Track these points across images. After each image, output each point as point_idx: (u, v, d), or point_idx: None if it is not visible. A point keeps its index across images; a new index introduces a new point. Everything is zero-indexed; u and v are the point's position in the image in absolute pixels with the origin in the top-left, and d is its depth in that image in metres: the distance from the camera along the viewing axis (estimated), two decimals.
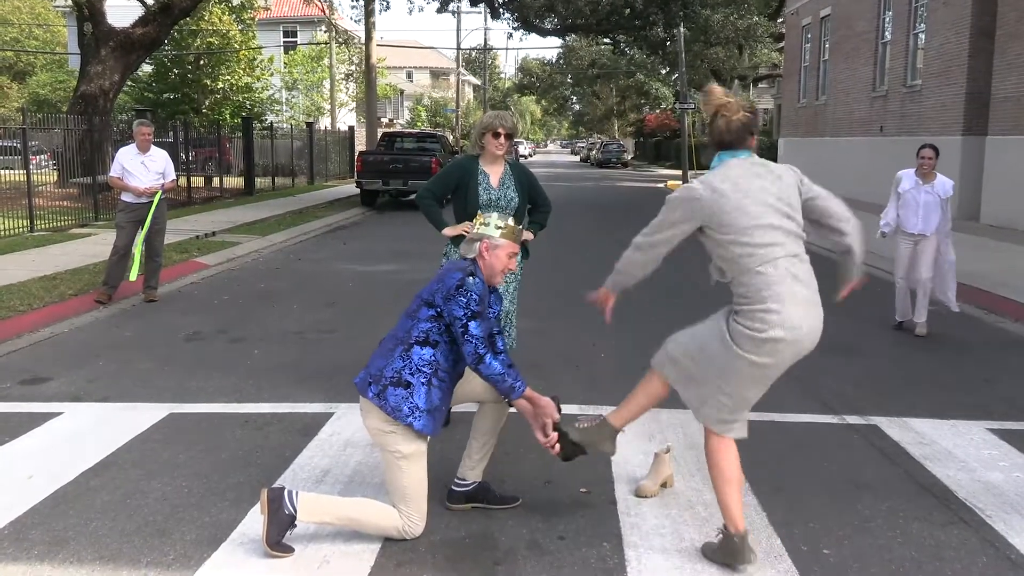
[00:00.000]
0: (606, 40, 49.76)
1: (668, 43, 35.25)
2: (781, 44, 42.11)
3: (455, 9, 48.53)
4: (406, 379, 3.98)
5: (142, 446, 5.30)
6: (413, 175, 22.37)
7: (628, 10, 30.54)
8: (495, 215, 4.22)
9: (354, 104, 49.47)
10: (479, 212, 4.35)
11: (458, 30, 59.30)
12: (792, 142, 32.27)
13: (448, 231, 5.58)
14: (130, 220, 9.69)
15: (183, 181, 21.62)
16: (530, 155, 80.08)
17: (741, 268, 3.87)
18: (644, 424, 5.80)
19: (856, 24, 26.08)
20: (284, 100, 42.38)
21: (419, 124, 65.99)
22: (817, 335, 3.85)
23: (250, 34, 34.12)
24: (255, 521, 4.13)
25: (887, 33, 24.25)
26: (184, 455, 5.16)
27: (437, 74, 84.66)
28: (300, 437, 5.48)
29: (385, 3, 32.72)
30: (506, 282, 5.71)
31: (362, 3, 31.61)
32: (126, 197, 9.71)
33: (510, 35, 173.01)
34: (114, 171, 9.76)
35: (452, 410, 5.70)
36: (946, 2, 20.28)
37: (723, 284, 3.87)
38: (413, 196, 23.21)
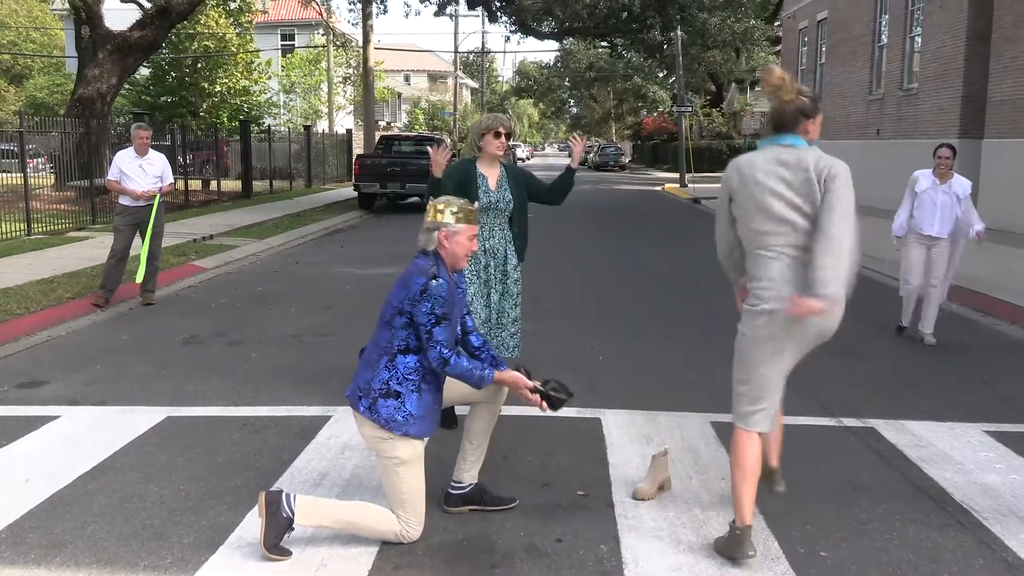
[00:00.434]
0: (603, 43, 49.84)
1: (665, 46, 35.29)
2: (778, 48, 42.20)
3: (452, 12, 48.58)
4: (395, 389, 3.97)
5: (139, 449, 5.30)
6: (411, 178, 22.38)
7: (625, 13, 30.57)
8: (451, 201, 4.14)
9: (352, 107, 49.44)
10: (433, 201, 4.20)
11: (455, 33, 59.50)
12: None
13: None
14: (128, 223, 9.69)
15: (180, 184, 21.62)
16: (528, 158, 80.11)
17: (746, 249, 4.02)
18: (641, 427, 5.82)
19: (853, 28, 26.12)
20: (282, 103, 42.38)
21: (417, 127, 65.98)
22: (823, 320, 3.83)
23: (248, 37, 34.08)
24: (253, 524, 4.13)
25: (883, 37, 24.29)
26: (182, 458, 5.16)
27: (435, 77, 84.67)
28: (298, 440, 5.48)
29: (382, 6, 32.75)
30: (505, 286, 5.71)
31: (360, 6, 31.63)
32: (124, 200, 9.71)
33: (507, 38, 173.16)
34: (112, 174, 9.76)
35: (456, 411, 5.72)
36: (942, 6, 20.32)
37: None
38: (411, 199, 23.40)
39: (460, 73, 74.08)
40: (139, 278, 9.60)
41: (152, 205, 9.68)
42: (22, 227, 14.92)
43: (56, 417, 5.88)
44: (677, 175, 37.50)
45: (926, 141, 20.76)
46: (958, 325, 9.21)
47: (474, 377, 3.99)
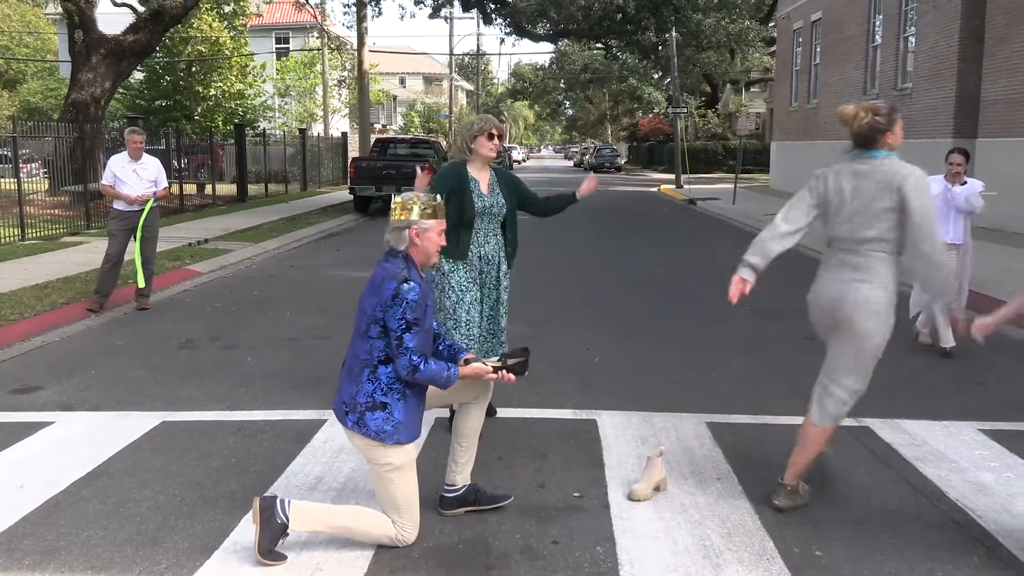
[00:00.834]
0: (598, 45, 49.87)
1: (660, 48, 35.30)
2: (773, 48, 42.25)
3: (447, 15, 48.59)
4: (381, 401, 3.95)
5: (134, 455, 5.29)
6: (406, 181, 22.32)
7: (620, 15, 30.60)
8: (416, 197, 4.06)
9: (347, 110, 49.44)
10: (398, 199, 4.06)
11: (450, 36, 59.56)
12: (784, 145, 32.36)
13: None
14: (122, 228, 9.68)
15: (175, 188, 21.61)
16: (523, 160, 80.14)
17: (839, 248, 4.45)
18: (637, 428, 5.82)
19: (847, 28, 26.16)
20: (277, 106, 42.36)
21: (412, 130, 65.99)
22: (841, 306, 4.35)
23: (242, 41, 34.09)
24: (248, 529, 4.12)
25: (878, 36, 24.33)
26: (176, 463, 5.16)
27: (430, 80, 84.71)
28: (293, 444, 5.47)
29: (377, 9, 32.90)
30: (498, 293, 5.64)
31: (354, 9, 31.62)
32: (118, 205, 9.70)
33: (502, 40, 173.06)
34: (106, 179, 9.75)
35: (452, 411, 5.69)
36: (936, 6, 20.36)
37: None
38: None
39: (455, 75, 74.10)
40: (140, 283, 9.59)
41: (144, 210, 9.65)
42: (16, 232, 14.90)
43: (50, 423, 5.87)
44: (673, 176, 37.54)
45: (921, 141, 20.80)
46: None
47: (442, 379, 3.97)
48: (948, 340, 7.87)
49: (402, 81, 78.62)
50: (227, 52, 32.23)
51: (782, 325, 9.03)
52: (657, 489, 4.71)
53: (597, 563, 3.96)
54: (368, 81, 32.91)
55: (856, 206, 4.27)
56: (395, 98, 69.09)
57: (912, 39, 22.12)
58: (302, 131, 33.37)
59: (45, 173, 19.60)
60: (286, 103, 44.22)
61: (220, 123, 30.90)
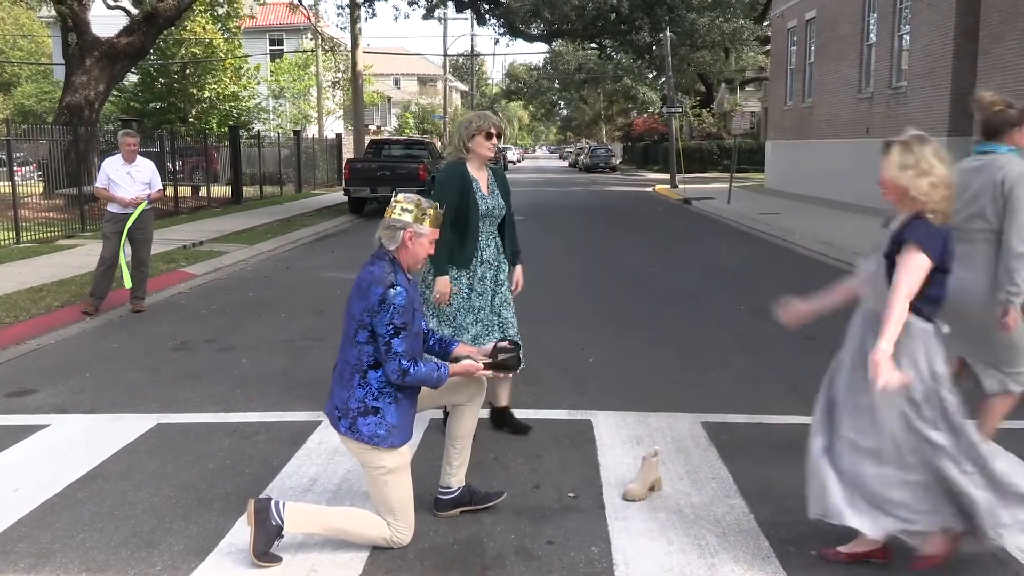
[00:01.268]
0: (592, 45, 49.90)
1: (654, 47, 35.33)
2: (767, 47, 42.29)
3: (441, 15, 48.66)
4: (373, 406, 3.93)
5: (129, 457, 5.28)
6: (401, 182, 22.36)
7: (614, 15, 30.62)
8: (416, 199, 4.00)
9: (341, 112, 49.43)
10: (400, 197, 4.03)
11: (444, 36, 59.47)
12: (779, 144, 32.39)
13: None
14: (116, 231, 9.65)
15: (170, 191, 21.57)
16: (518, 161, 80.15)
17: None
18: (632, 428, 5.82)
19: (841, 26, 26.20)
20: (271, 108, 42.33)
21: (407, 131, 65.97)
22: (968, 297, 4.41)
23: (236, 42, 34.06)
24: (243, 531, 4.11)
25: (872, 35, 24.36)
26: (172, 466, 5.15)
27: (424, 81, 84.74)
28: (288, 446, 5.47)
29: (371, 10, 32.76)
30: (503, 296, 5.45)
31: (348, 11, 31.61)
32: (112, 208, 9.68)
33: (496, 41, 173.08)
34: (100, 182, 9.73)
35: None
36: (930, 4, 20.39)
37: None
38: None
39: (450, 76, 74.07)
40: (127, 283, 9.56)
41: (135, 212, 9.62)
42: (11, 235, 14.87)
43: (46, 426, 5.86)
44: (668, 176, 37.56)
45: None
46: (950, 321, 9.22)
47: (432, 380, 3.95)
48: None
49: (396, 82, 78.63)
50: (221, 54, 32.21)
51: (778, 324, 9.01)
52: (652, 489, 4.71)
53: (592, 563, 3.96)
54: (362, 82, 32.93)
55: (966, 197, 4.37)
56: (390, 99, 69.11)
57: (907, 37, 22.15)
58: (296, 133, 33.38)
59: (40, 176, 19.58)
60: (280, 105, 44.19)
61: (215, 125, 30.87)
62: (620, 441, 5.55)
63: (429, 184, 22.53)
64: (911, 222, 3.69)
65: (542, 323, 9.01)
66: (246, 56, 35.94)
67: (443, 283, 5.20)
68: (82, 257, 13.05)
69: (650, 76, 58.14)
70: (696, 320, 9.37)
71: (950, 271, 3.76)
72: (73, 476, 4.95)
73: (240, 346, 8.21)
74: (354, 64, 31.61)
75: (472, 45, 76.21)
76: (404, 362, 3.85)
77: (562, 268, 13.11)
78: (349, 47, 33.95)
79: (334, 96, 47.63)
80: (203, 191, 25.23)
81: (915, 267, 3.62)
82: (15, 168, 15.57)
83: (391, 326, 3.83)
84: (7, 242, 14.63)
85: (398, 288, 3.85)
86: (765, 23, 43.18)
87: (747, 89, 56.22)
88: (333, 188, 33.64)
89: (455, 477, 4.42)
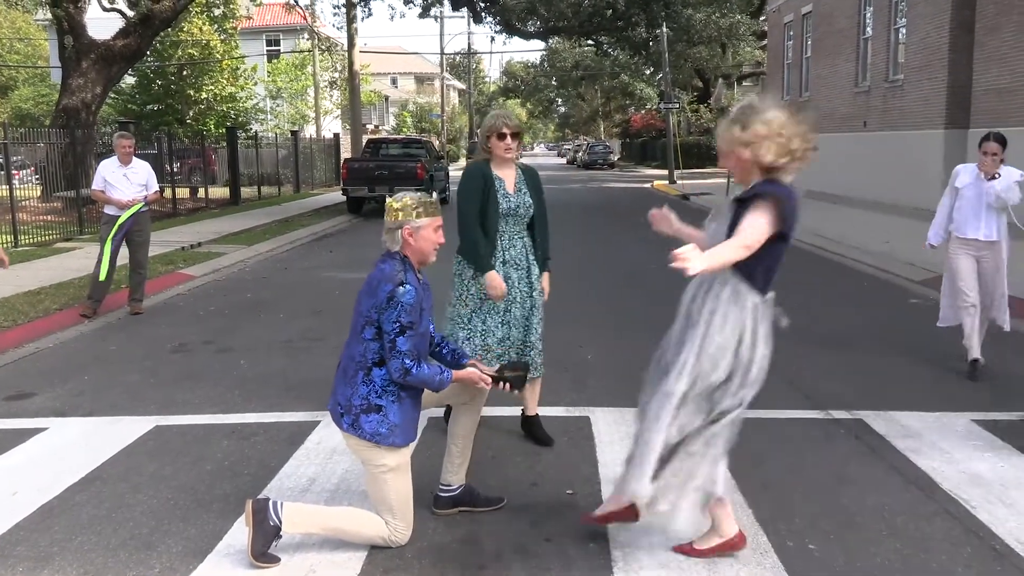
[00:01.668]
0: (589, 42, 49.88)
1: (651, 43, 35.32)
2: (764, 42, 42.27)
3: (437, 14, 48.57)
4: (376, 403, 3.93)
5: (128, 459, 5.29)
6: (399, 181, 22.35)
7: (610, 11, 30.63)
8: (405, 197, 4.01)
9: (339, 111, 49.40)
10: (390, 200, 4.01)
11: (441, 35, 59.48)
12: None
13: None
14: (114, 233, 9.65)
15: (168, 192, 21.57)
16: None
17: None
18: (631, 425, 5.80)
19: (837, 20, 26.18)
20: (268, 109, 42.31)
21: (404, 130, 65.95)
22: None
23: (233, 43, 34.05)
24: (241, 532, 4.11)
25: (868, 29, 24.34)
26: (170, 467, 5.15)
27: (422, 79, 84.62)
28: (287, 446, 5.47)
29: (367, 10, 32.80)
30: (532, 300, 5.31)
31: (344, 10, 31.60)
32: (109, 210, 9.67)
33: (493, 39, 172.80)
34: (96, 184, 9.73)
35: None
36: None
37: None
38: None
39: (447, 75, 74.06)
40: (101, 275, 9.46)
41: (129, 212, 9.59)
42: (9, 239, 14.87)
43: (44, 429, 5.86)
44: (666, 172, 37.56)
45: (913, 132, 20.84)
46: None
47: (434, 383, 3.94)
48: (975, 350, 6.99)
49: (394, 81, 78.54)
50: (218, 55, 32.20)
51: (779, 323, 9.00)
52: None
53: (590, 560, 3.96)
54: (359, 82, 32.92)
55: None
56: (387, 98, 69.02)
57: (903, 30, 22.13)
58: (294, 133, 33.37)
59: (37, 179, 19.56)
60: (278, 105, 44.17)
61: (212, 126, 30.88)
62: (619, 438, 5.54)
63: (427, 183, 22.56)
64: (761, 183, 3.64)
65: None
66: (243, 57, 35.92)
67: (491, 277, 5.09)
68: (80, 260, 13.05)
69: (647, 72, 58.10)
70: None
71: (789, 241, 3.69)
72: (71, 479, 4.95)
73: (238, 347, 8.22)
74: (351, 64, 31.61)
75: (469, 43, 76.41)
76: (407, 361, 3.85)
77: (560, 265, 13.04)
78: (346, 47, 33.93)
79: (331, 96, 47.61)
80: (201, 192, 25.22)
81: (761, 222, 3.55)
82: (13, 172, 15.57)
83: (397, 323, 3.83)
84: (5, 245, 14.61)
85: (407, 286, 3.85)
86: (761, 18, 43.17)
87: (744, 84, 56.24)
88: (331, 188, 33.63)
89: (456, 475, 4.42)
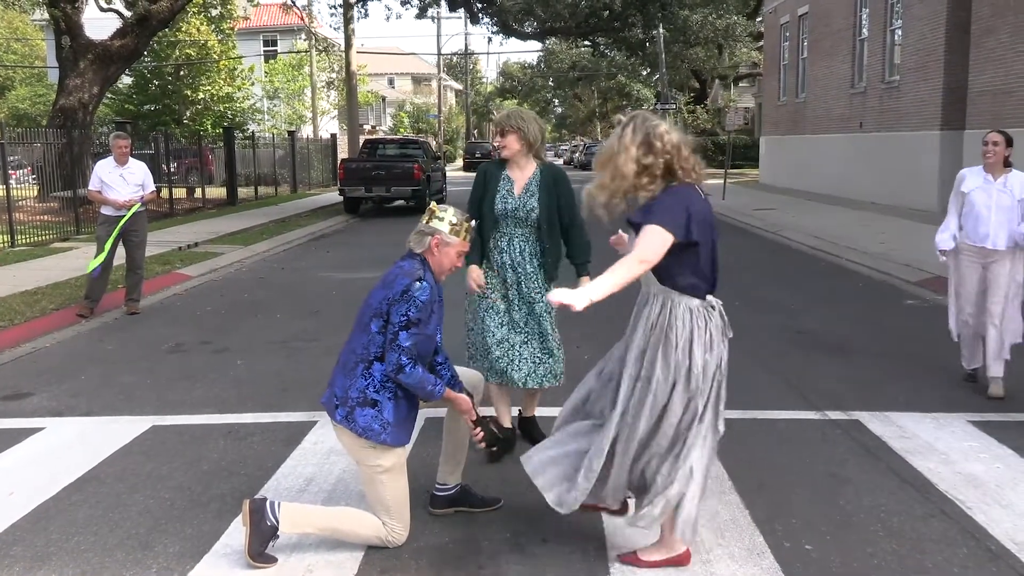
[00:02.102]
0: (586, 43, 49.86)
1: (648, 44, 35.36)
2: (760, 43, 42.32)
3: (434, 15, 48.55)
4: (372, 398, 3.93)
5: (124, 460, 5.28)
6: (396, 182, 22.38)
7: (607, 12, 30.62)
8: (450, 210, 4.04)
9: (336, 112, 49.39)
10: (436, 206, 4.05)
11: (438, 35, 59.48)
12: (773, 140, 32.41)
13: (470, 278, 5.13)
14: (110, 234, 9.64)
15: (165, 193, 21.56)
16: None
17: None
18: None
19: (833, 21, 26.22)
20: (265, 109, 42.29)
21: (401, 130, 65.95)
22: None
23: (230, 44, 34.04)
24: (238, 532, 4.12)
25: (864, 30, 24.39)
26: (167, 467, 5.15)
27: (419, 80, 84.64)
28: (283, 446, 5.47)
29: (364, 11, 32.78)
30: (531, 307, 5.18)
31: (341, 11, 31.59)
32: (106, 210, 9.66)
33: (490, 39, 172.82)
34: (93, 184, 9.72)
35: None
36: None
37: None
38: (396, 203, 23.41)
39: (444, 75, 74.05)
40: (90, 267, 9.45)
41: (127, 214, 9.58)
42: (6, 239, 14.85)
43: (40, 429, 5.86)
44: None
45: (909, 133, 20.87)
46: (941, 315, 9.23)
47: (425, 390, 3.93)
48: (997, 369, 6.45)
49: (391, 82, 78.54)
50: (215, 55, 32.19)
51: (773, 319, 9.02)
52: None
53: (587, 561, 3.97)
54: (356, 82, 32.90)
55: None
56: (384, 99, 69.01)
57: (899, 32, 22.18)
58: (291, 133, 33.35)
59: (34, 179, 19.54)
60: (275, 106, 44.16)
61: (209, 126, 30.85)
62: None
63: (424, 183, 22.56)
64: (648, 202, 3.63)
65: None
66: (240, 57, 35.91)
67: (470, 270, 5.09)
68: (77, 260, 13.03)
69: (644, 73, 58.18)
70: None
71: (704, 243, 3.63)
72: (68, 479, 4.95)
73: (235, 347, 8.21)
74: (348, 64, 31.60)
75: (466, 44, 76.40)
76: (404, 358, 3.85)
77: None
78: (343, 47, 33.93)
79: (328, 96, 47.60)
80: (198, 192, 25.20)
81: (650, 239, 3.56)
82: (10, 171, 15.56)
83: (405, 317, 3.84)
84: (2, 245, 14.61)
85: (424, 283, 3.88)
86: (758, 19, 43.22)
87: (741, 85, 56.32)
88: (328, 188, 33.61)
89: (452, 475, 4.42)
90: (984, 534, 4.18)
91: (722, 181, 26.93)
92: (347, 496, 4.65)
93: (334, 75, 45.44)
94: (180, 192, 25.01)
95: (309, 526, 3.97)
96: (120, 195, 9.58)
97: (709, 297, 3.71)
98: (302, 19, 39.31)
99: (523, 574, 3.86)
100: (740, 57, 50.75)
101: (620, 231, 4.06)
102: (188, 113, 31.43)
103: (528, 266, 5.14)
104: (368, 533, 3.99)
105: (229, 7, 32.27)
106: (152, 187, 10.02)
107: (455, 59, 79.93)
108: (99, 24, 25.38)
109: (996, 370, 6.39)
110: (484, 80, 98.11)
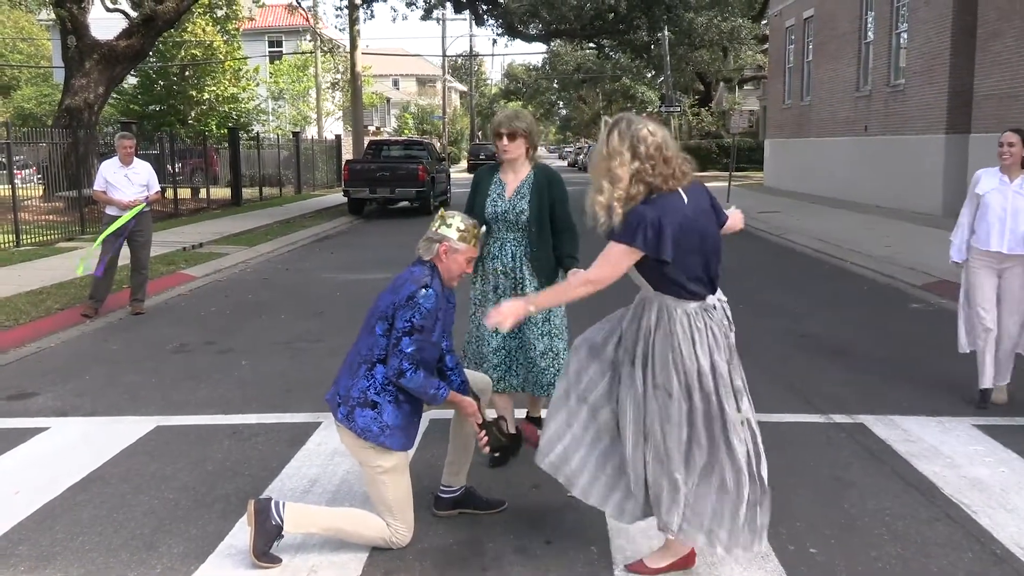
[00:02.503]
0: (591, 45, 49.91)
1: (652, 47, 35.37)
2: (765, 46, 42.29)
3: (440, 16, 48.66)
4: (372, 399, 3.93)
5: (129, 460, 5.29)
6: (400, 183, 22.39)
7: (612, 15, 30.64)
8: (458, 216, 4.05)
9: (340, 113, 49.45)
10: (445, 212, 4.06)
11: (443, 37, 59.49)
12: (778, 143, 32.38)
13: None
14: (115, 233, 9.65)
15: (170, 193, 21.60)
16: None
17: None
18: None
19: (839, 25, 26.19)
20: (270, 110, 42.34)
21: (406, 132, 65.95)
22: None
23: (235, 44, 34.09)
24: (243, 532, 4.12)
25: (870, 33, 24.36)
26: (171, 468, 5.15)
27: (423, 81, 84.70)
28: (288, 447, 5.47)
29: (369, 12, 32.77)
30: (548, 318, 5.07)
31: (346, 12, 31.63)
32: (110, 211, 9.68)
33: (495, 41, 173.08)
34: (97, 185, 9.74)
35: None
36: (927, 1, 20.39)
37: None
38: (401, 204, 23.42)
39: (448, 77, 74.07)
40: (80, 270, 9.46)
41: (130, 213, 9.59)
42: (11, 238, 14.88)
43: (45, 429, 5.87)
44: None
45: (914, 137, 20.84)
46: (946, 319, 9.22)
47: (427, 394, 3.92)
48: (1004, 376, 6.32)
49: (395, 83, 78.59)
50: (220, 56, 32.23)
51: (777, 322, 9.00)
52: None
53: (591, 563, 3.96)
54: (361, 83, 32.94)
55: None
56: (388, 100, 69.08)
57: (904, 35, 22.15)
58: (296, 134, 33.40)
59: (39, 179, 19.59)
60: (280, 106, 44.19)
61: (214, 127, 30.91)
62: None
63: (428, 185, 22.57)
64: (626, 214, 3.58)
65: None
66: (245, 58, 35.97)
67: None
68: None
69: (649, 75, 58.16)
70: None
71: (691, 251, 3.59)
72: (73, 479, 4.96)
73: (239, 348, 8.22)
74: (353, 65, 31.63)
75: (471, 45, 76.02)
76: (405, 364, 3.85)
77: None
78: (348, 48, 33.97)
79: (333, 97, 47.65)
80: (202, 193, 25.25)
81: (605, 259, 3.59)
82: (15, 171, 15.59)
83: (408, 323, 3.84)
84: (7, 245, 14.64)
85: (429, 290, 3.88)
86: (763, 22, 43.20)
87: (745, 88, 56.28)
88: (333, 189, 33.66)
89: (457, 476, 4.43)
90: (989, 538, 4.17)
91: (726, 184, 26.93)
92: (351, 497, 4.65)
93: (339, 76, 45.51)
94: (185, 192, 25.06)
95: (313, 526, 3.97)
96: (125, 195, 9.60)
97: (710, 298, 3.68)
98: (307, 20, 39.38)
99: None
100: (745, 60, 50.71)
101: None
102: (193, 114, 31.48)
103: (518, 272, 5.01)
104: (372, 534, 3.99)
105: (234, 8, 32.36)
106: (157, 187, 10.04)
107: (460, 61, 79.96)
108: (105, 24, 25.41)
109: (1005, 376, 6.30)
110: (489, 82, 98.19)
